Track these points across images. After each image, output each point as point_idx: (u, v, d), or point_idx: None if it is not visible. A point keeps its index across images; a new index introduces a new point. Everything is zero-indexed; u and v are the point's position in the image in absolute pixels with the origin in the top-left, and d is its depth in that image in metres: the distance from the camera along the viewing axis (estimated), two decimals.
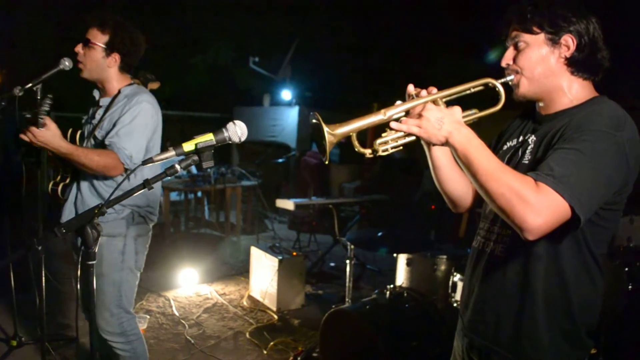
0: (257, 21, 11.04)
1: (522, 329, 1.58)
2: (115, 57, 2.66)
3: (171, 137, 2.92)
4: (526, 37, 1.58)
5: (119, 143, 2.51)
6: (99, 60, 2.63)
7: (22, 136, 2.30)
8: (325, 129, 1.46)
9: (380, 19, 10.61)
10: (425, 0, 9.58)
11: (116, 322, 2.72)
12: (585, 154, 1.39)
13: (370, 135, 1.57)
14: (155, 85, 3.23)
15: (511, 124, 1.84)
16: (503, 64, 1.64)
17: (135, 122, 2.58)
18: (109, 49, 2.63)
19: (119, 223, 2.67)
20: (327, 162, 1.51)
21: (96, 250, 1.59)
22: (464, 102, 1.59)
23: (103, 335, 2.71)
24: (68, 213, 2.68)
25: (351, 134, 1.52)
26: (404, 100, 1.60)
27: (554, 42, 1.55)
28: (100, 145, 2.61)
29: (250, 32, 11.21)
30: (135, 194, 1.57)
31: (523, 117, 1.79)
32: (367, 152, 1.56)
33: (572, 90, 1.59)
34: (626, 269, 3.46)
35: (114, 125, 2.59)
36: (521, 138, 1.70)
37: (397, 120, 1.53)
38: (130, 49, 2.68)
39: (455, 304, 3.53)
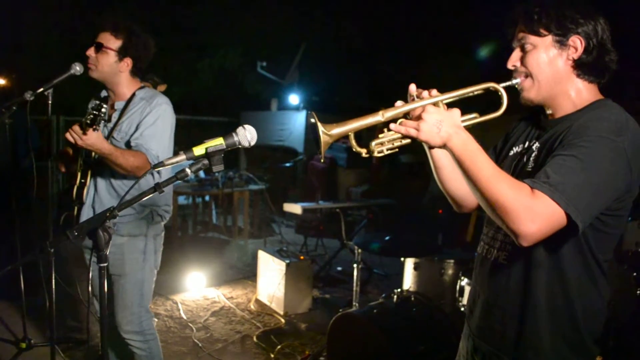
0: (264, 26, 11.09)
1: (525, 336, 1.58)
2: (128, 62, 2.68)
3: (179, 141, 2.94)
4: (533, 39, 1.54)
5: (145, 144, 2.57)
6: (112, 65, 2.65)
7: (67, 136, 2.33)
8: (321, 129, 1.45)
9: (387, 23, 10.63)
10: (432, 4, 9.59)
11: (136, 321, 2.75)
12: (582, 160, 1.37)
13: (377, 136, 1.56)
14: (162, 88, 3.26)
15: (517, 126, 1.81)
16: (509, 66, 1.61)
17: (158, 124, 2.65)
18: (122, 54, 2.65)
19: (139, 223, 2.71)
20: (322, 161, 1.51)
21: (111, 251, 1.62)
22: (470, 104, 1.58)
23: (122, 334, 2.75)
24: (86, 215, 2.71)
25: (349, 133, 1.51)
26: (405, 100, 1.58)
27: (562, 44, 1.52)
28: (120, 146, 2.65)
29: (257, 37, 11.25)
30: (153, 194, 1.60)
31: (529, 120, 1.76)
32: (363, 151, 1.55)
33: (577, 94, 1.56)
34: (634, 273, 3.44)
35: (137, 127, 2.63)
36: (526, 144, 1.68)
37: (395, 121, 1.51)
38: (142, 54, 2.71)
39: (462, 308, 3.52)
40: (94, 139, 2.31)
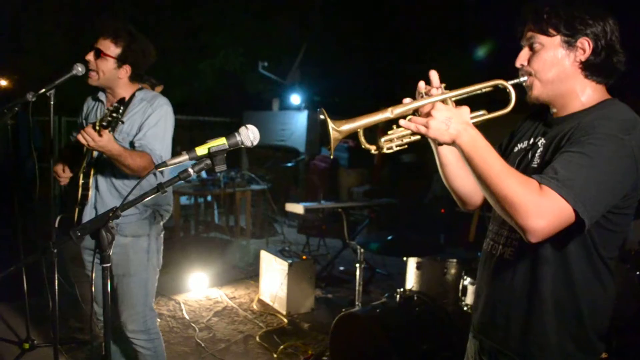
0: (265, 26, 11.08)
1: (530, 333, 1.58)
2: (127, 69, 2.68)
3: (180, 141, 2.96)
4: (542, 38, 1.55)
5: (149, 144, 2.59)
6: (111, 71, 2.65)
7: (80, 138, 2.33)
8: (331, 125, 1.47)
9: (389, 21, 10.62)
10: (432, 3, 9.59)
11: (141, 320, 2.77)
12: (591, 157, 1.38)
13: (379, 134, 1.58)
14: (159, 89, 3.27)
15: (522, 123, 1.82)
16: (517, 65, 1.61)
17: (161, 124, 2.67)
18: (121, 61, 2.64)
19: (142, 223, 2.73)
20: (332, 157, 1.52)
21: (115, 252, 1.62)
22: (476, 102, 1.58)
23: (127, 334, 2.76)
24: (88, 216, 2.71)
25: (358, 130, 1.52)
26: (412, 97, 1.59)
27: (570, 44, 1.53)
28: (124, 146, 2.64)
29: (259, 37, 11.25)
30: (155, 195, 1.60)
31: (534, 117, 1.77)
32: (372, 148, 1.56)
33: (585, 94, 1.56)
34: (637, 272, 3.44)
35: (140, 128, 2.64)
36: (532, 140, 1.68)
37: (404, 118, 1.52)
38: (141, 60, 2.71)
39: (465, 308, 3.52)
40: (106, 140, 2.33)
